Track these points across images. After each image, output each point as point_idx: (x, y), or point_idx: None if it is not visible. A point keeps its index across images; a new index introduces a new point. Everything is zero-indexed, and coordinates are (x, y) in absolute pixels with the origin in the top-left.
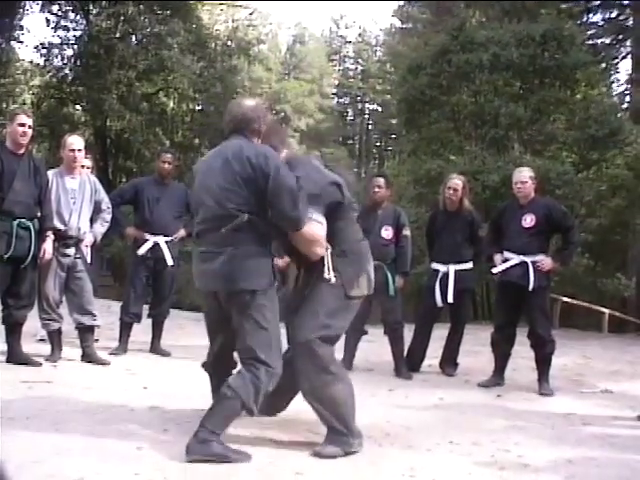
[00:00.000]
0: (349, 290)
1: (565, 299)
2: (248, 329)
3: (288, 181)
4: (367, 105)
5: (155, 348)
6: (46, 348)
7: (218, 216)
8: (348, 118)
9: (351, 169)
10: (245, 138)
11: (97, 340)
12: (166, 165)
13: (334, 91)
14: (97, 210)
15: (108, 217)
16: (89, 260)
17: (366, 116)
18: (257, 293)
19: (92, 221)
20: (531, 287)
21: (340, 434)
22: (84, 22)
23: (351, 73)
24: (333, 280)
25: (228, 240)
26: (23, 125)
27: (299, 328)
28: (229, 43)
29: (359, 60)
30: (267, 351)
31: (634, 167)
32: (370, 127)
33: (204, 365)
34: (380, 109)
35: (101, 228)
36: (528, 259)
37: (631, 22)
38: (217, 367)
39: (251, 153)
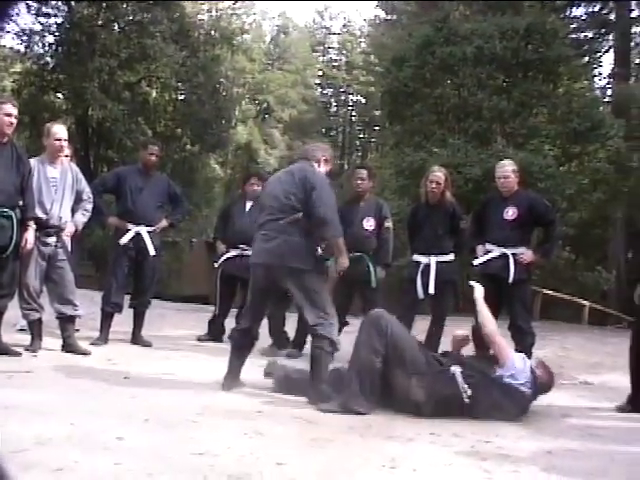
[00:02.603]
0: None
1: (546, 292)
2: (304, 298)
3: (329, 196)
4: (351, 96)
5: (136, 338)
6: (26, 338)
7: (279, 210)
8: (331, 109)
9: (334, 161)
10: (308, 162)
11: (78, 330)
12: (153, 157)
13: (318, 82)
14: (78, 199)
15: (89, 207)
16: (69, 249)
17: (349, 107)
18: (305, 271)
19: (73, 210)
20: (511, 279)
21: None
22: (66, 9)
23: (335, 64)
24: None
25: (284, 229)
26: (9, 115)
27: None
28: (212, 32)
29: (343, 51)
30: (324, 308)
31: (615, 161)
32: (353, 119)
33: (230, 335)
34: (364, 101)
35: (82, 217)
36: (509, 251)
37: (613, 16)
38: (243, 338)
39: (308, 170)
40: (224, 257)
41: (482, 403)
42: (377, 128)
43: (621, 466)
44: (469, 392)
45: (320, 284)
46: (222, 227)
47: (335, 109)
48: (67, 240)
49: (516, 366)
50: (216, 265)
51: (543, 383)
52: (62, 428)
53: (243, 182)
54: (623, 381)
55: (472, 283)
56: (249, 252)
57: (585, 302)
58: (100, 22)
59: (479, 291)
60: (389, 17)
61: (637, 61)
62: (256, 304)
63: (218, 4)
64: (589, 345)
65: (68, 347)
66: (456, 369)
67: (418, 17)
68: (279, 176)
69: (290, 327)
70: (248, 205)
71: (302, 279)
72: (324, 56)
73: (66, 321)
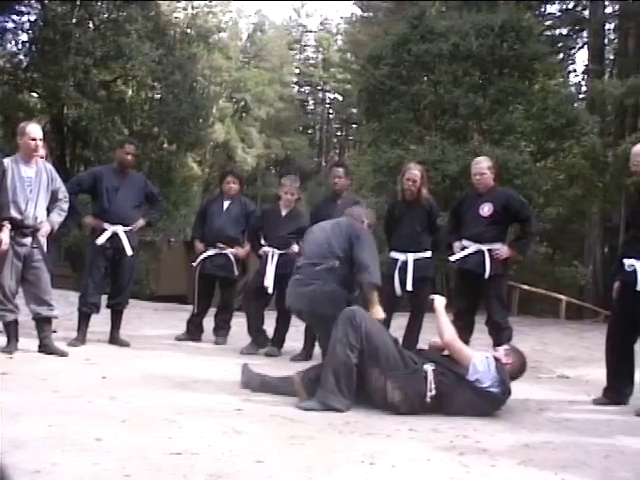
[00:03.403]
0: None
1: (524, 286)
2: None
3: (372, 247)
4: (328, 94)
5: (114, 338)
6: (2, 340)
7: (317, 256)
8: (308, 107)
9: (311, 158)
10: (354, 220)
11: (55, 331)
12: (129, 157)
13: (294, 80)
14: (54, 199)
15: (65, 206)
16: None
17: (327, 105)
18: (333, 318)
19: (49, 210)
20: (487, 275)
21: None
22: (39, 7)
23: (312, 62)
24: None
25: (319, 276)
26: None
27: None
28: (188, 31)
29: (320, 49)
30: None
31: (590, 157)
32: (331, 116)
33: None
34: (341, 98)
35: (58, 217)
36: (484, 247)
37: (587, 13)
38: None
39: (356, 224)
40: (202, 256)
41: (455, 401)
42: (354, 126)
43: (597, 458)
44: (434, 392)
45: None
46: (200, 226)
47: (312, 107)
48: (43, 240)
49: (479, 370)
50: (194, 264)
51: (514, 370)
52: (39, 430)
53: (220, 181)
54: (599, 374)
55: (433, 296)
56: (227, 250)
57: (562, 297)
58: (74, 20)
59: (439, 302)
60: (365, 14)
61: (611, 57)
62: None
63: (194, 2)
64: (566, 339)
65: (45, 348)
66: (429, 367)
67: (394, 14)
68: (324, 226)
69: (269, 325)
70: (226, 204)
71: (329, 326)
72: (301, 54)
73: (42, 322)
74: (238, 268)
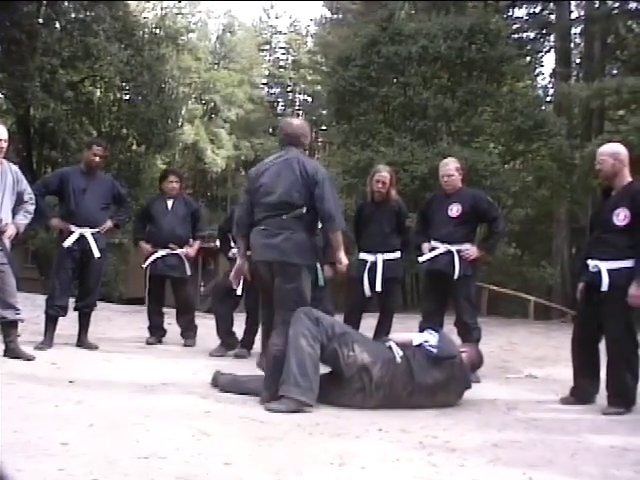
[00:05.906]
0: None
1: (493, 287)
2: (289, 294)
3: (332, 189)
4: (297, 96)
5: (82, 341)
6: None
7: (280, 206)
8: (278, 109)
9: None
10: (298, 150)
11: (19, 335)
12: (97, 158)
13: (264, 81)
14: (20, 201)
15: (31, 208)
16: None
17: (296, 107)
18: (302, 267)
19: (14, 212)
20: (456, 276)
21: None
22: (4, 5)
23: (282, 63)
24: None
25: (287, 225)
26: None
27: None
28: (157, 31)
29: (289, 50)
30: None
31: (558, 158)
32: (300, 118)
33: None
34: (310, 100)
35: (24, 220)
36: (453, 248)
37: (554, 17)
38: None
39: (308, 164)
40: (153, 257)
41: (421, 363)
42: (324, 127)
43: (564, 456)
44: (402, 353)
45: (307, 284)
46: (142, 228)
47: (282, 108)
48: (7, 243)
49: (421, 337)
50: (144, 266)
51: (473, 358)
52: (5, 435)
53: (160, 181)
54: (567, 373)
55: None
56: (178, 250)
57: (530, 297)
58: (41, 20)
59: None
60: (335, 16)
61: (577, 61)
62: (267, 303)
63: (163, 3)
64: (534, 339)
65: (11, 352)
66: (391, 343)
67: (363, 16)
68: (274, 170)
69: (238, 327)
70: (169, 203)
71: (297, 276)
72: (270, 55)
73: (8, 326)
74: (190, 268)
